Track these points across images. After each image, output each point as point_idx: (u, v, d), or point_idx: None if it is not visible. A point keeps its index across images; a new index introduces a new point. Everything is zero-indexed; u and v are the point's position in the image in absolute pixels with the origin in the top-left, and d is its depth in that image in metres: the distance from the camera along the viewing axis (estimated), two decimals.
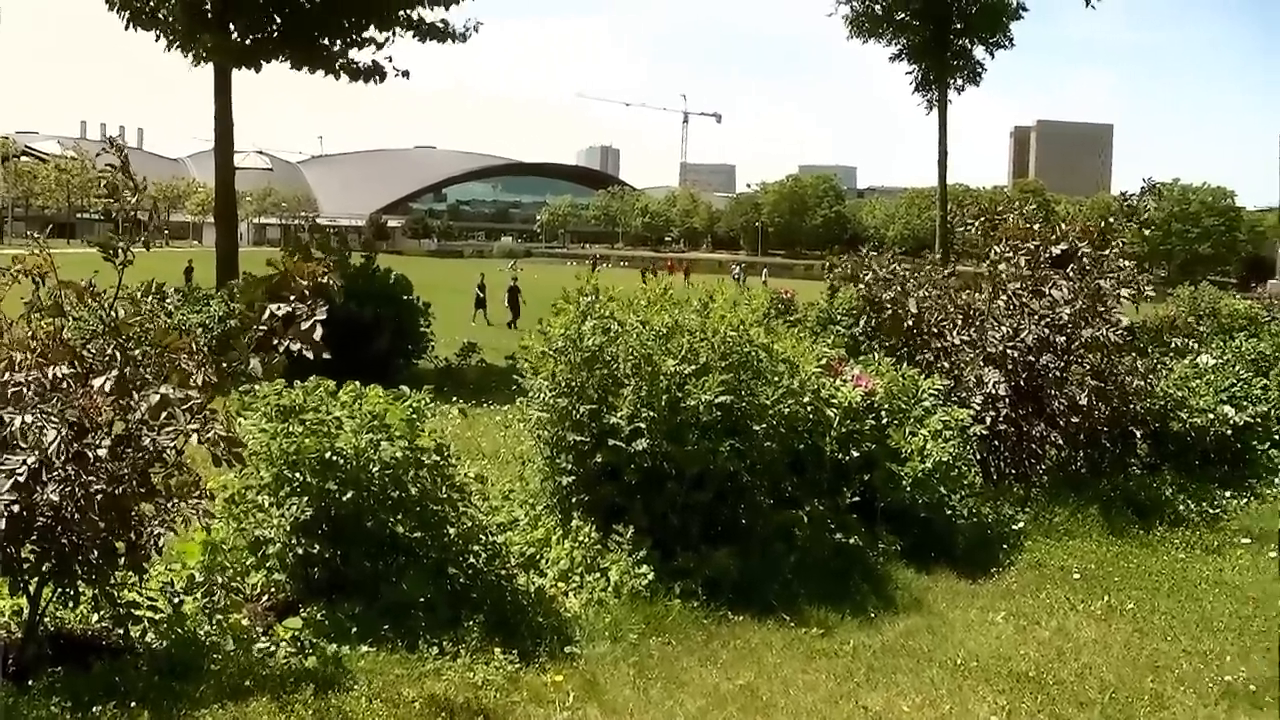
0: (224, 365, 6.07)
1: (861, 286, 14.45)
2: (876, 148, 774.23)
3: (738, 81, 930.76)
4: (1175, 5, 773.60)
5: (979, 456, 11.64)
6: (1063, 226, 13.24)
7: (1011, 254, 13.10)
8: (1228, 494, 13.63)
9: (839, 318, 17.65)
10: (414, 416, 7.13)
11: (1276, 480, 14.69)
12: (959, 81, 41.56)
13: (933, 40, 40.57)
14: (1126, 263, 13.04)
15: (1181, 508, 12.64)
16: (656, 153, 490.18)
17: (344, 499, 6.88)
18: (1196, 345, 17.56)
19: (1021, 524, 11.24)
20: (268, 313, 6.14)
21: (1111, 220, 13.62)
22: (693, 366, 8.38)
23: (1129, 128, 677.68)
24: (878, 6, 41.52)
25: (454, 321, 30.92)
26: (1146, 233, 13.81)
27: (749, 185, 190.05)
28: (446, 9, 27.67)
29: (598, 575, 8.14)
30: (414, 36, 27.70)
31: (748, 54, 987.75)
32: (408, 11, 27.34)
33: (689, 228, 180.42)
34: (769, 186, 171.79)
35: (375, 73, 28.25)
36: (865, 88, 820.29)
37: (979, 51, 41.68)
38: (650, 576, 8.05)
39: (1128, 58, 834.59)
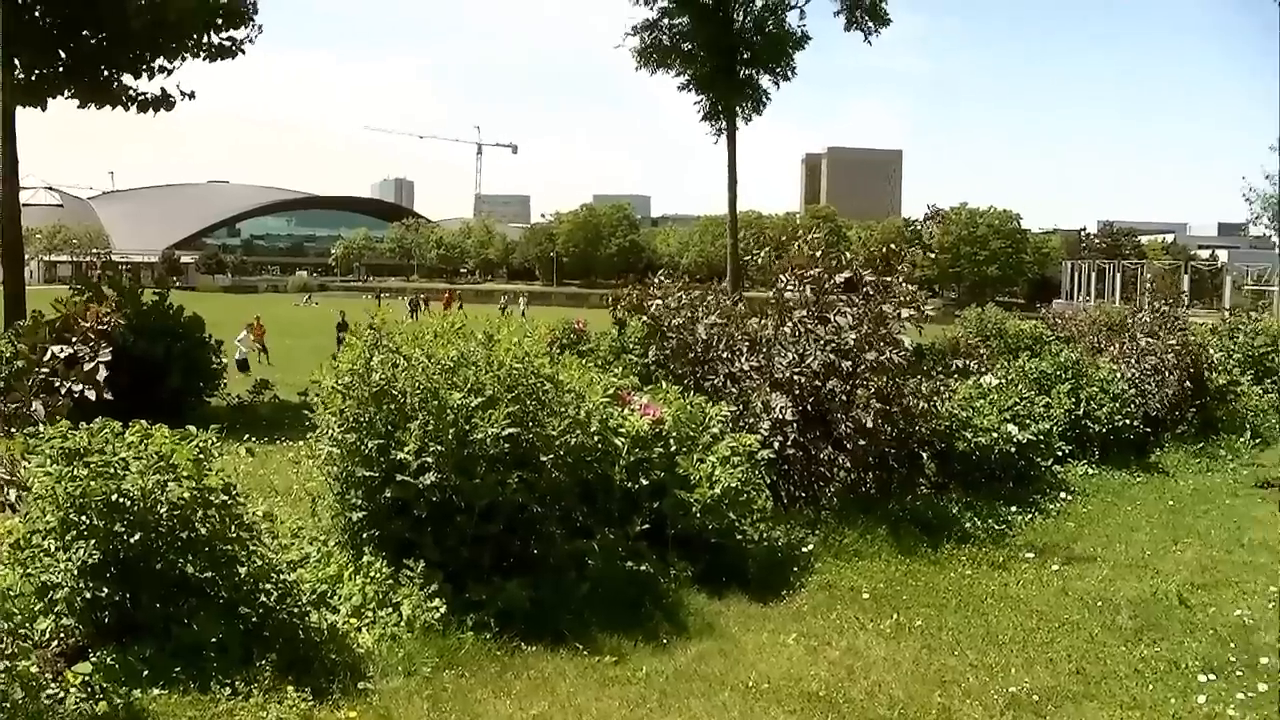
0: (6, 409, 6.55)
1: (647, 317, 15.35)
2: (670, 176, 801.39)
3: (532, 112, 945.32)
4: (961, 33, 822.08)
5: (769, 481, 12.53)
6: (846, 255, 14.40)
7: (797, 282, 14.18)
8: (1013, 510, 14.89)
9: (631, 347, 18.54)
10: (200, 456, 7.65)
11: (1060, 495, 16.18)
12: (746, 110, 44.54)
13: (719, 70, 43.76)
14: (910, 287, 14.34)
15: (968, 525, 13.81)
16: (452, 184, 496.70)
17: (132, 541, 7.27)
18: (976, 366, 19.06)
19: (812, 546, 12.14)
20: (49, 354, 6.67)
21: (895, 246, 14.90)
22: (479, 399, 9.00)
23: (918, 153, 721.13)
24: (665, 38, 44.45)
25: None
26: (933, 256, 15.18)
27: (544, 215, 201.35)
28: (234, 28, 28.08)
29: (390, 610, 8.70)
30: (203, 58, 28.07)
31: (541, 85, 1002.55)
32: (197, 38, 27.75)
33: (484, 258, 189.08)
34: (563, 216, 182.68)
35: (163, 102, 28.54)
36: (658, 117, 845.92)
37: (765, 81, 45.00)
38: (443, 610, 8.66)
39: (916, 85, 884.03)
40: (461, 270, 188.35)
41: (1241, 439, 22.00)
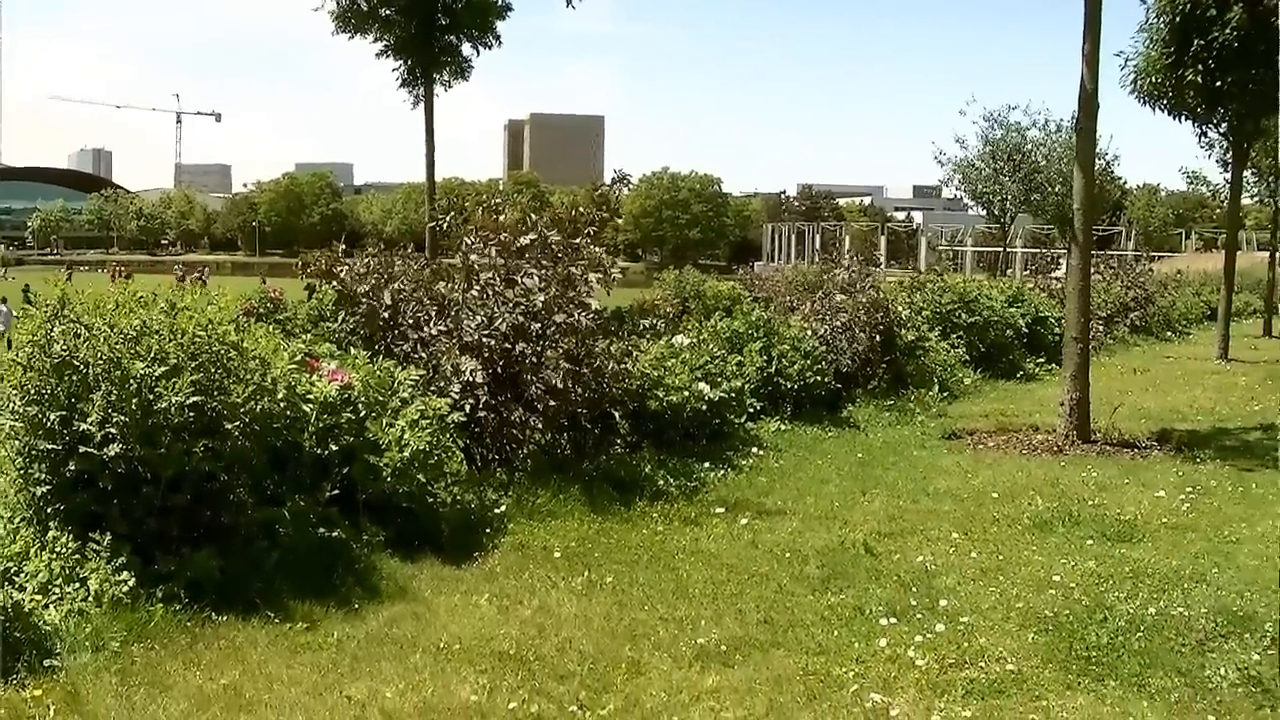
0: None
1: (336, 283, 15.92)
2: (373, 143, 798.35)
3: (232, 79, 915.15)
4: (662, 1, 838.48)
5: (462, 444, 13.19)
6: (531, 217, 15.27)
7: (483, 245, 14.95)
8: (705, 466, 16.01)
9: (329, 314, 19.08)
10: None
11: (753, 451, 17.42)
12: (445, 77, 45.81)
13: (418, 36, 44.68)
14: (597, 249, 15.32)
15: (661, 482, 14.79)
16: (152, 154, 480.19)
17: None
18: (665, 326, 20.35)
19: (505, 507, 12.88)
20: None
21: (583, 209, 15.79)
22: (163, 368, 9.37)
23: (623, 119, 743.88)
24: (362, 2, 45.13)
25: None
26: (620, 220, 16.12)
27: (245, 185, 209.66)
28: None
29: (78, 585, 9.00)
30: None
31: (242, 51, 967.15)
32: None
33: (186, 229, 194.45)
34: (265, 185, 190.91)
35: None
36: (360, 83, 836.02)
37: (466, 48, 46.84)
38: (131, 583, 9.01)
39: (621, 51, 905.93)
40: (163, 241, 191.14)
41: (930, 393, 24.07)
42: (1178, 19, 30.52)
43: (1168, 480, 16.35)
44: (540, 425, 14.59)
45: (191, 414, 9.45)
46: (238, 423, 9.85)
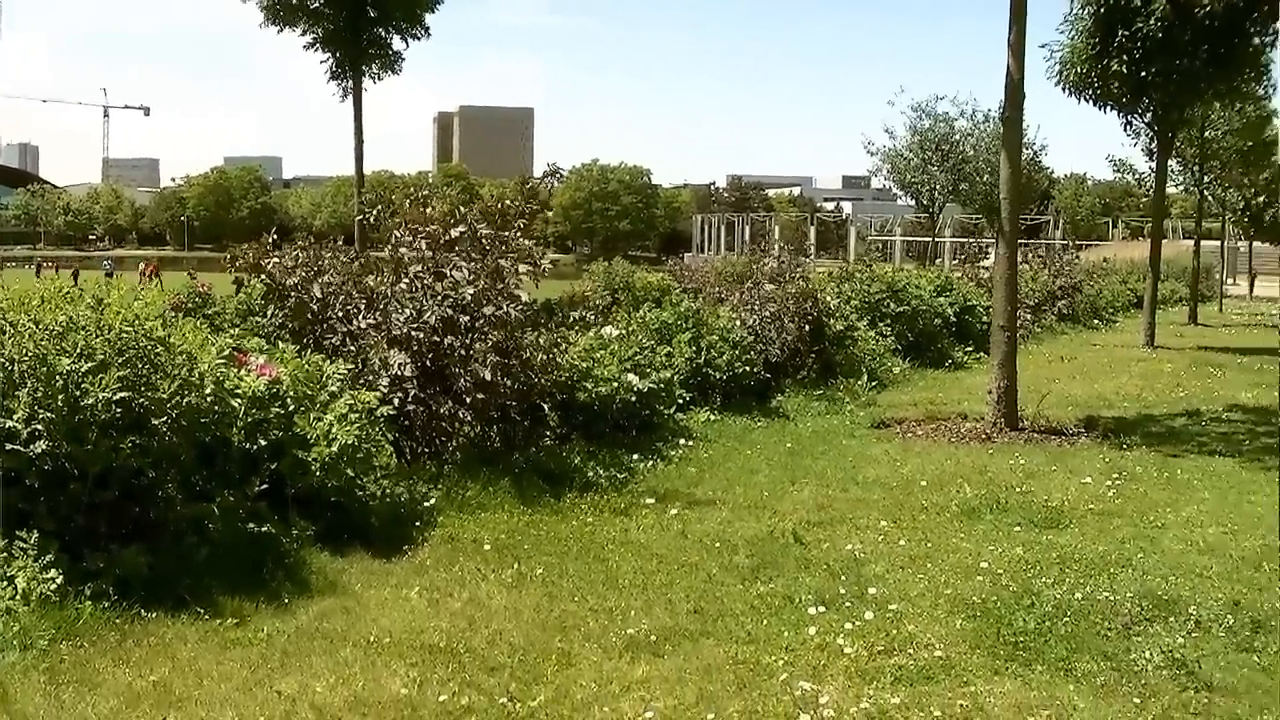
0: None
1: (265, 276, 15.86)
2: (302, 137, 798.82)
3: (162, 73, 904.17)
4: None
5: (391, 438, 13.25)
6: (461, 210, 15.31)
7: (411, 238, 14.98)
8: (635, 457, 16.11)
9: (258, 308, 19.09)
10: None
11: (682, 441, 17.58)
12: (374, 70, 46.37)
13: (346, 28, 45.21)
14: (527, 242, 15.42)
15: (591, 474, 14.87)
16: (79, 148, 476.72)
17: None
18: (594, 318, 20.52)
19: (435, 501, 12.92)
20: None
21: (511, 202, 15.89)
22: (89, 364, 9.38)
23: (552, 111, 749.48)
24: None
25: None
26: (549, 212, 16.32)
27: (173, 179, 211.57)
28: None
29: (5, 584, 8.97)
30: None
31: (170, 44, 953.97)
32: None
33: (114, 224, 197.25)
34: (193, 179, 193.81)
35: None
36: (288, 76, 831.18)
37: (395, 41, 47.92)
38: (59, 581, 8.99)
39: (548, 44, 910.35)
40: (90, 237, 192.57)
41: (859, 382, 24.25)
42: (1102, 10, 31.07)
43: (1094, 467, 16.69)
44: (469, 418, 14.66)
45: (119, 410, 9.45)
46: (165, 418, 9.84)
